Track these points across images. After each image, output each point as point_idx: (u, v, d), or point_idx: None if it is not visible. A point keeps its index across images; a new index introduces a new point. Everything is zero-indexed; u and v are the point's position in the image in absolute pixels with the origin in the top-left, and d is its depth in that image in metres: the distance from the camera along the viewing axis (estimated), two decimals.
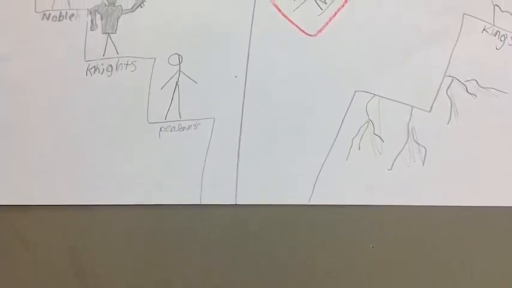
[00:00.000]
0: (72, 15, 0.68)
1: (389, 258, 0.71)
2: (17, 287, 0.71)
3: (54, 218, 0.70)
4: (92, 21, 0.68)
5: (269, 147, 0.70)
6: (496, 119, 0.70)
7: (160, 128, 0.70)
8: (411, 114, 0.70)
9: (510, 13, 0.69)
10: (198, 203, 0.70)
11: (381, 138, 0.70)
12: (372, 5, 0.69)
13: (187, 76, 0.69)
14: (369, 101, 0.70)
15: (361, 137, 0.70)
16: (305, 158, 0.70)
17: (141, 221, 0.71)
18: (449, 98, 0.70)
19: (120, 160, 0.70)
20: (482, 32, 0.69)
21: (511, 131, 0.71)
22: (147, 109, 0.69)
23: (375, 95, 0.70)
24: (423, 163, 0.71)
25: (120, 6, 0.68)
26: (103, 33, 0.68)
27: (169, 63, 0.69)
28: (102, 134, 0.69)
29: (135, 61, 0.69)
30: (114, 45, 0.68)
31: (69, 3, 0.68)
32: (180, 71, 0.69)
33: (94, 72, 0.69)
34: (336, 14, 0.69)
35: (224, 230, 0.71)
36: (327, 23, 0.69)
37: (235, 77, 0.69)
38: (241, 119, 0.70)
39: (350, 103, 0.70)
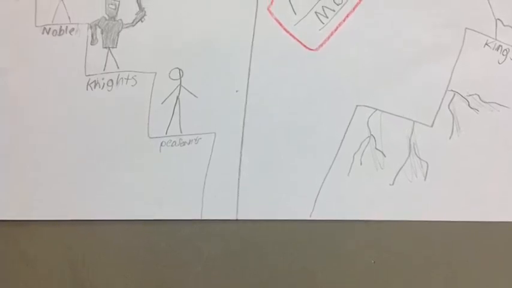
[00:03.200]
0: (73, 29, 0.68)
1: (390, 273, 0.71)
2: None
3: (54, 233, 0.70)
4: (92, 36, 0.68)
5: (270, 162, 0.70)
6: (498, 134, 0.70)
7: (161, 143, 0.69)
8: (413, 128, 0.70)
9: None
10: (199, 218, 0.70)
11: (382, 153, 0.70)
12: (374, 19, 0.69)
13: (188, 91, 0.69)
14: (370, 116, 0.70)
15: (363, 152, 0.70)
16: (306, 173, 0.70)
17: (142, 236, 0.70)
18: (451, 113, 0.70)
19: (121, 175, 0.69)
20: (484, 46, 0.69)
21: None
22: (148, 124, 0.69)
23: (376, 109, 0.70)
24: (425, 178, 0.70)
25: (121, 20, 0.68)
26: (103, 47, 0.68)
27: (170, 78, 0.69)
28: (102, 149, 0.69)
29: (135, 75, 0.68)
30: (115, 60, 0.68)
31: (69, 18, 0.68)
32: (180, 85, 0.69)
33: (94, 87, 0.68)
34: (337, 28, 0.69)
35: (225, 245, 0.71)
36: (328, 38, 0.69)
37: (236, 91, 0.69)
38: (242, 134, 0.70)
39: (351, 118, 0.70)
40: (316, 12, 0.68)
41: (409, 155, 0.70)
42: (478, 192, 0.71)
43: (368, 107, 0.70)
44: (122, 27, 0.68)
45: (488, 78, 0.69)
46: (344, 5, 0.68)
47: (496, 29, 0.69)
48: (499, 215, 0.71)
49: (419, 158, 0.70)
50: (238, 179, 0.70)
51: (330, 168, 0.70)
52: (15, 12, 0.68)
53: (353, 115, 0.69)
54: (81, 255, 0.70)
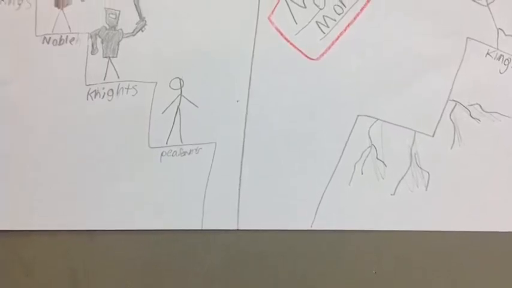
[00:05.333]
0: (73, 39, 0.68)
1: (391, 284, 0.71)
2: None
3: (54, 243, 0.70)
4: (92, 45, 0.68)
5: (271, 172, 0.70)
6: (499, 144, 0.70)
7: (162, 153, 0.69)
8: (414, 138, 0.70)
9: None
10: (200, 228, 0.70)
11: (383, 163, 0.70)
12: (375, 29, 0.68)
13: (189, 100, 0.69)
14: (371, 126, 0.69)
15: (364, 161, 0.70)
16: (307, 183, 0.70)
17: (142, 247, 0.70)
18: (453, 123, 0.70)
19: (121, 185, 0.69)
20: (485, 56, 0.69)
21: None
22: (148, 133, 0.69)
23: (377, 119, 0.69)
24: (426, 188, 0.70)
25: (121, 30, 0.68)
26: (104, 57, 0.68)
27: (171, 88, 0.69)
28: (102, 159, 0.69)
29: (136, 85, 0.68)
30: (115, 69, 0.68)
31: (69, 27, 0.68)
32: (181, 95, 0.69)
33: (95, 97, 0.68)
34: (338, 38, 0.68)
35: (226, 255, 0.71)
36: (329, 47, 0.69)
37: (237, 101, 0.69)
38: (243, 144, 0.69)
39: (352, 128, 0.69)
40: (317, 22, 0.68)
41: (410, 165, 0.70)
42: (480, 203, 0.70)
43: (369, 116, 0.69)
44: (122, 37, 0.68)
45: (489, 88, 0.69)
46: (345, 14, 0.68)
47: (497, 38, 0.69)
48: (500, 225, 0.71)
49: (421, 168, 0.70)
50: (239, 189, 0.70)
51: (331, 178, 0.70)
52: (15, 21, 0.67)
53: (354, 125, 0.69)
54: (81, 266, 0.70)
